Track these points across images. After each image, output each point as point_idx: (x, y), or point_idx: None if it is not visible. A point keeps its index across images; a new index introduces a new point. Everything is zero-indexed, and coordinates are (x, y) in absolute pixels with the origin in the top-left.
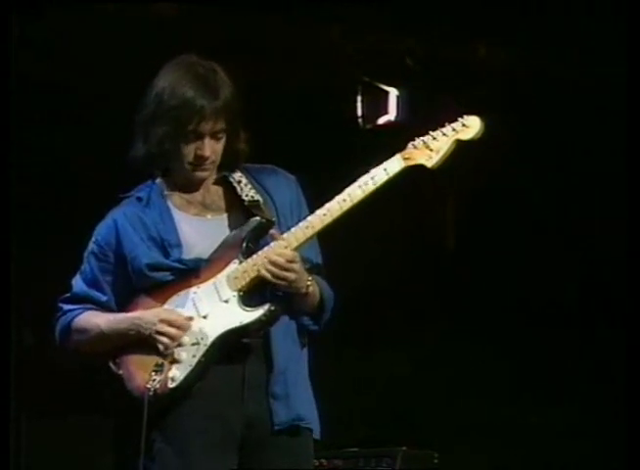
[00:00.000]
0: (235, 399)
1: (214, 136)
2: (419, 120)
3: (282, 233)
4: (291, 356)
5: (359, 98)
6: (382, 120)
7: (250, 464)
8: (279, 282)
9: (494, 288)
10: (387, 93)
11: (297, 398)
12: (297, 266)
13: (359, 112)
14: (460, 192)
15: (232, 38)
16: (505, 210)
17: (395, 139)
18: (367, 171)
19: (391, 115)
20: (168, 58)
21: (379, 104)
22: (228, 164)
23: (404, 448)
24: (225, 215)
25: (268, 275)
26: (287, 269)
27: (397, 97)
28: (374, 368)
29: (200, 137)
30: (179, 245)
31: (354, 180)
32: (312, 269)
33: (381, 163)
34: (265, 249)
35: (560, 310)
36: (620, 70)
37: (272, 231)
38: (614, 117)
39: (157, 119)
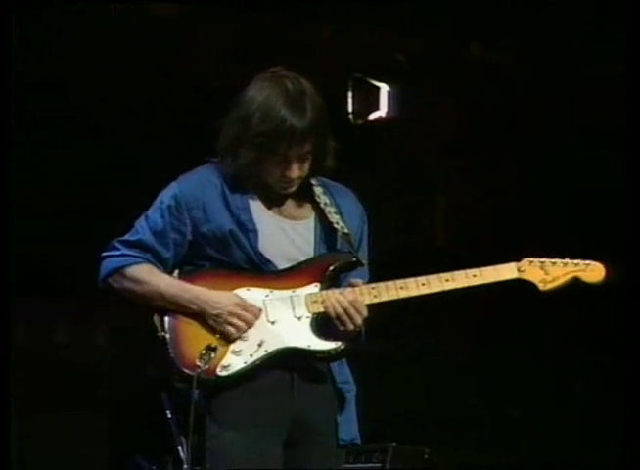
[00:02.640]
0: (285, 396)
1: (301, 158)
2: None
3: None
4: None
5: (350, 94)
6: (372, 116)
7: (296, 458)
8: (337, 324)
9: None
10: (377, 89)
11: (356, 418)
12: (360, 320)
13: (350, 108)
14: (452, 190)
15: (224, 37)
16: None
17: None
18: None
19: (382, 111)
20: (167, 57)
21: (369, 100)
22: (312, 175)
23: (394, 444)
24: (299, 224)
25: (332, 313)
26: (351, 318)
27: (388, 93)
28: (364, 364)
29: (287, 161)
30: (255, 231)
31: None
32: None
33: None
34: (348, 289)
35: (552, 307)
36: (619, 68)
37: (355, 280)
38: (611, 118)
39: (245, 142)
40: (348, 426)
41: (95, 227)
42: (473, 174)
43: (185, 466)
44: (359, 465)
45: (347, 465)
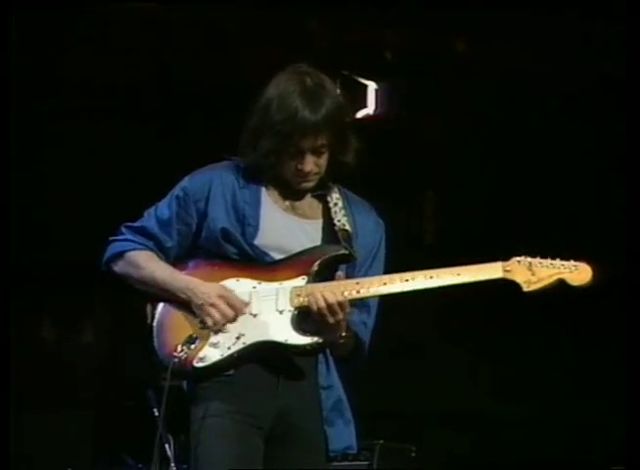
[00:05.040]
0: (269, 391)
1: (316, 152)
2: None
3: (353, 275)
4: (342, 385)
5: (338, 91)
6: (360, 114)
7: (274, 456)
8: (317, 317)
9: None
10: (365, 87)
11: (349, 425)
12: (341, 315)
13: None
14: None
15: (213, 33)
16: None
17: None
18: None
19: (370, 108)
20: (164, 54)
21: (357, 98)
22: (332, 174)
23: (382, 442)
24: (307, 223)
25: (314, 306)
26: (333, 313)
27: (376, 91)
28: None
29: (301, 152)
30: (257, 227)
31: None
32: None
33: None
34: (333, 282)
35: (535, 305)
36: (605, 65)
37: (339, 273)
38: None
39: (264, 132)
40: (339, 435)
41: (93, 227)
42: (463, 171)
43: (171, 464)
44: (346, 463)
45: (335, 463)
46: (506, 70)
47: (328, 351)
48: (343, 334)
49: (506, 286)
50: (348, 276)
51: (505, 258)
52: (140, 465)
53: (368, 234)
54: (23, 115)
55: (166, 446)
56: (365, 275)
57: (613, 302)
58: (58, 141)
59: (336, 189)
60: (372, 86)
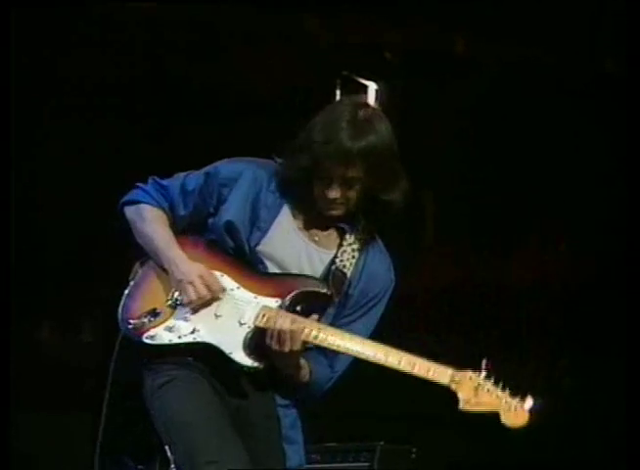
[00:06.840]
0: (226, 384)
1: (346, 182)
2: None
3: (341, 314)
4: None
5: (338, 92)
6: None
7: None
8: (267, 340)
9: (470, 283)
10: (365, 87)
11: (302, 444)
12: (288, 346)
13: None
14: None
15: (212, 32)
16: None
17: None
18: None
19: None
20: (162, 53)
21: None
22: (368, 211)
23: (382, 443)
24: (316, 251)
25: (266, 326)
26: (280, 343)
27: (376, 91)
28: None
29: (329, 179)
30: (264, 233)
31: None
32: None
33: None
34: (300, 317)
35: (529, 308)
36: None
37: (314, 316)
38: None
39: (302, 149)
40: (295, 453)
41: (92, 227)
42: (462, 172)
43: (172, 466)
44: (347, 464)
45: (335, 464)
46: (505, 70)
47: None
48: (302, 372)
49: (502, 286)
50: (336, 315)
51: (504, 258)
52: (140, 466)
53: (372, 283)
54: (20, 113)
55: (166, 447)
56: (352, 322)
57: (611, 295)
58: (54, 140)
59: (361, 229)
60: (372, 86)
